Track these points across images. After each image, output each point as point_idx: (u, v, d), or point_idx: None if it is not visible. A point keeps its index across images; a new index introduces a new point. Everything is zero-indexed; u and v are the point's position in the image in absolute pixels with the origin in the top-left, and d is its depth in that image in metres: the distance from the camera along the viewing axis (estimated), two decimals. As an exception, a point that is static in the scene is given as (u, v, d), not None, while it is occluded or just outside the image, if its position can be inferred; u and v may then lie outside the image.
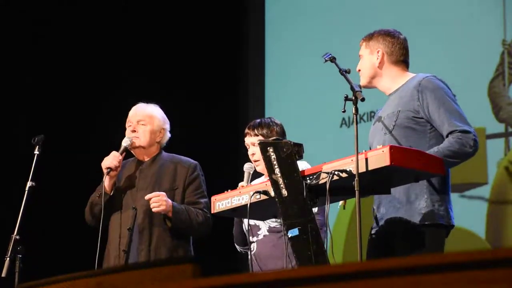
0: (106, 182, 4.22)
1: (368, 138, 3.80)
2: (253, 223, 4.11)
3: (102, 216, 4.15)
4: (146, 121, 4.34)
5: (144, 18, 7.34)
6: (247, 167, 4.09)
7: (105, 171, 4.20)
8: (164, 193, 4.13)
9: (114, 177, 4.25)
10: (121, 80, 7.00)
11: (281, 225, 4.07)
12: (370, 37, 3.77)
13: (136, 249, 4.13)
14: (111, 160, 4.21)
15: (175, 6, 7.37)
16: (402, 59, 3.74)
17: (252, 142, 4.15)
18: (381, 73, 3.72)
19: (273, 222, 4.09)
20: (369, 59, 3.74)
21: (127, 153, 4.38)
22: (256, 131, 4.18)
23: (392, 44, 3.73)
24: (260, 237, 4.13)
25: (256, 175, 4.31)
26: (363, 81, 3.75)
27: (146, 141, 4.32)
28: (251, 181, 4.21)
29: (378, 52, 3.72)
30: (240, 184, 3.98)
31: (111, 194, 4.24)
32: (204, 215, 4.22)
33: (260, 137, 4.12)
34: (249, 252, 4.16)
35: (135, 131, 4.32)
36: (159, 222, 4.16)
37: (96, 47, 7.14)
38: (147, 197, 4.10)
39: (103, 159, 4.26)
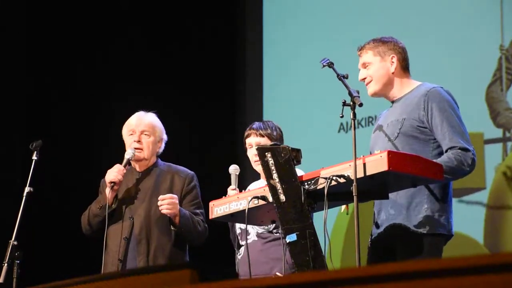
0: (109, 195, 4.21)
1: (369, 143, 3.79)
2: (244, 228, 4.12)
3: (106, 229, 4.14)
4: (149, 132, 4.32)
5: (141, 22, 7.35)
6: (232, 169, 4.10)
7: (109, 185, 4.17)
8: (176, 196, 4.12)
9: (116, 190, 4.24)
10: (118, 84, 7.00)
11: (268, 231, 4.09)
12: (378, 43, 3.72)
13: (134, 259, 4.11)
14: (116, 174, 4.18)
15: (172, 7, 7.37)
16: (408, 66, 3.74)
17: (257, 142, 4.14)
18: (393, 80, 3.70)
19: (260, 228, 4.12)
20: (382, 66, 3.69)
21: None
22: (260, 131, 4.19)
23: (403, 50, 3.73)
24: (249, 241, 4.14)
25: (253, 179, 4.31)
26: (375, 88, 3.70)
27: (149, 153, 4.31)
28: (248, 185, 4.22)
29: (393, 58, 3.69)
30: (229, 188, 3.99)
31: (113, 206, 4.23)
32: (203, 224, 4.24)
33: (266, 138, 4.14)
34: (238, 256, 4.19)
35: (140, 141, 4.31)
36: (157, 232, 4.15)
37: (93, 50, 7.15)
38: (161, 197, 4.09)
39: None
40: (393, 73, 3.69)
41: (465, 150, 3.45)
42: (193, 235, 4.20)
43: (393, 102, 3.74)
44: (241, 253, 4.15)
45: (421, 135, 3.55)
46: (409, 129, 3.56)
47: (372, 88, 3.72)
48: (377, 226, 3.62)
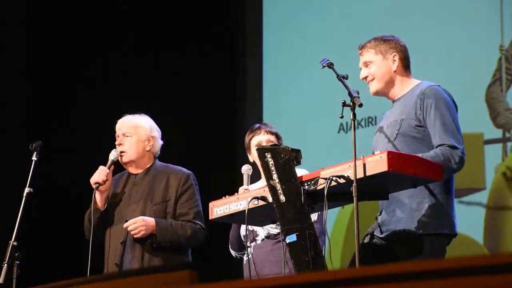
0: (97, 197, 4.21)
1: (369, 144, 3.78)
2: (251, 229, 4.11)
3: (91, 233, 4.14)
4: (131, 133, 4.30)
5: (140, 26, 7.35)
6: (245, 169, 4.09)
7: (93, 186, 4.17)
8: (141, 218, 4.09)
9: (105, 192, 4.23)
10: (118, 87, 7.00)
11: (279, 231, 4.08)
12: (379, 42, 3.71)
13: (129, 262, 4.11)
14: (99, 175, 4.18)
15: (170, 10, 7.37)
16: (409, 65, 3.74)
17: (267, 139, 4.15)
18: (395, 78, 3.69)
19: (272, 229, 4.10)
20: (384, 65, 3.68)
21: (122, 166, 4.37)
22: (269, 129, 4.20)
23: (405, 49, 3.72)
24: (258, 242, 4.14)
25: (254, 178, 4.30)
26: (377, 87, 3.68)
27: (133, 153, 4.29)
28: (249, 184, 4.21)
29: (394, 56, 3.68)
30: (241, 188, 3.98)
31: (104, 209, 4.22)
32: (192, 227, 4.19)
33: (275, 137, 4.16)
34: (244, 257, 4.17)
35: (121, 144, 4.29)
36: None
37: (93, 52, 7.15)
38: (125, 226, 4.09)
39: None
40: (395, 71, 3.69)
41: (454, 147, 3.43)
42: (179, 242, 4.17)
43: (393, 101, 3.74)
44: (249, 254, 4.14)
45: (419, 135, 3.54)
46: (407, 129, 3.55)
47: (374, 86, 3.70)
48: (379, 227, 3.60)
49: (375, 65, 3.70)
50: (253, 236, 4.14)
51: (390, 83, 3.70)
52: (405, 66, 3.72)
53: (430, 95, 3.55)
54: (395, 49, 3.70)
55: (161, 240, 4.10)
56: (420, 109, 3.55)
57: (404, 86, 3.70)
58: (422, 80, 3.72)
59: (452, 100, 3.60)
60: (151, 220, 4.10)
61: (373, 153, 3.61)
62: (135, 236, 4.08)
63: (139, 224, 4.07)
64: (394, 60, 3.69)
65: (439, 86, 3.63)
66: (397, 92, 3.71)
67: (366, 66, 3.73)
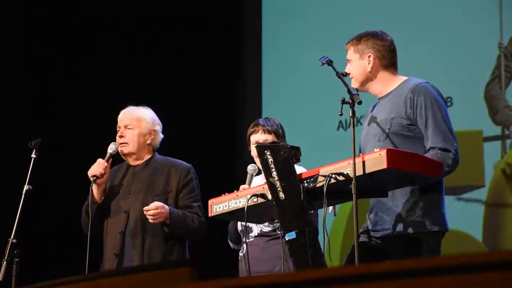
0: (94, 190, 4.21)
1: (360, 140, 3.76)
2: (247, 225, 4.11)
3: (90, 225, 4.13)
4: (133, 125, 4.30)
5: (142, 26, 7.35)
6: (250, 168, 4.07)
7: (91, 179, 4.18)
8: (162, 204, 4.08)
9: (102, 185, 4.23)
10: (118, 83, 7.00)
11: (274, 230, 4.09)
12: (358, 41, 3.67)
13: (129, 253, 4.11)
14: (97, 167, 4.19)
15: (171, 9, 7.37)
16: (392, 62, 3.67)
17: (264, 139, 4.12)
18: (372, 77, 3.64)
19: (265, 227, 4.11)
20: (360, 64, 3.64)
21: (121, 158, 4.36)
22: (267, 127, 4.17)
23: (383, 48, 3.64)
24: (250, 239, 4.14)
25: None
26: (355, 85, 3.63)
27: (135, 146, 4.28)
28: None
29: (369, 57, 3.63)
30: (242, 186, 3.98)
31: (101, 201, 4.22)
32: (199, 219, 4.20)
33: (273, 135, 4.13)
34: (240, 253, 4.19)
35: (122, 136, 4.30)
36: (152, 225, 4.12)
37: (94, 51, 7.15)
38: (145, 209, 4.06)
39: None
40: (370, 72, 3.64)
41: (445, 150, 3.40)
42: (187, 232, 4.18)
43: (379, 98, 3.70)
44: (243, 250, 4.15)
45: (410, 133, 3.51)
46: (398, 128, 3.52)
47: (353, 84, 3.66)
48: (372, 226, 3.59)
49: (353, 64, 3.68)
50: (247, 232, 4.15)
51: (366, 82, 3.65)
52: (385, 65, 3.65)
53: (420, 93, 3.51)
54: (372, 48, 3.64)
55: (173, 228, 4.10)
56: (410, 108, 3.51)
57: (389, 84, 3.64)
58: (409, 77, 3.68)
59: (441, 97, 3.57)
60: (167, 207, 4.10)
61: (361, 149, 3.63)
62: (152, 221, 4.05)
63: (161, 210, 4.05)
64: (370, 61, 3.64)
65: (428, 83, 3.59)
66: (380, 90, 3.66)
67: (349, 63, 3.72)
